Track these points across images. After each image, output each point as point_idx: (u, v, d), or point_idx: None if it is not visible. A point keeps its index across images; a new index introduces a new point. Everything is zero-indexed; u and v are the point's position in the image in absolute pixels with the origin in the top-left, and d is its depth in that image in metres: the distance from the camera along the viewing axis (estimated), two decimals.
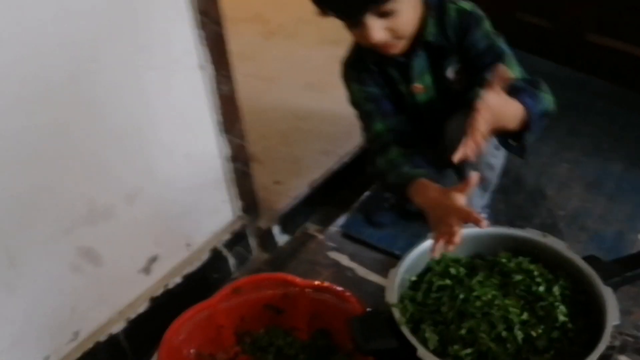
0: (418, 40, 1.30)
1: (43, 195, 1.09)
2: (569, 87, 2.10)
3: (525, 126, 1.18)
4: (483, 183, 1.46)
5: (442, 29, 1.30)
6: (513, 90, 1.15)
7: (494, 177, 1.48)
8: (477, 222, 1.05)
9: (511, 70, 1.26)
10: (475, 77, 1.33)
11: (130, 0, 1.11)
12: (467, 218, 1.06)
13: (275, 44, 2.53)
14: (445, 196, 1.11)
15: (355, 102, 1.43)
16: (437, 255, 1.10)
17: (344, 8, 1.19)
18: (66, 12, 1.02)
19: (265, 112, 2.08)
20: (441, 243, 1.08)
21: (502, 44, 1.33)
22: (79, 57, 1.07)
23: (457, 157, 1.05)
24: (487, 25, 1.33)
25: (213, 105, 1.34)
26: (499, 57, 1.30)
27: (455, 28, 1.30)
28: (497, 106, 1.08)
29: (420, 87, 1.38)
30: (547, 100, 1.26)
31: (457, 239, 1.06)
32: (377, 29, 1.20)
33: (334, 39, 2.49)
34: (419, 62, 1.34)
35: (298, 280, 1.31)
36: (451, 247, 1.07)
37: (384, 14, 1.19)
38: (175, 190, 1.35)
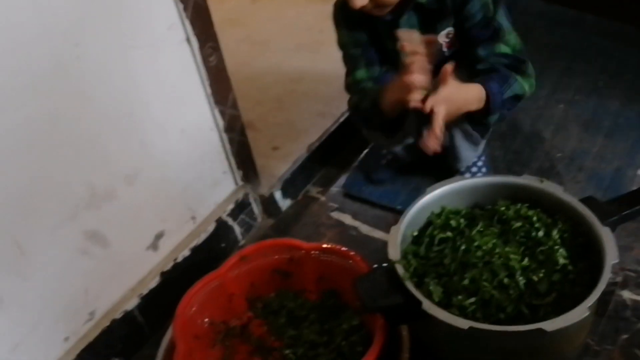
0: (409, 1, 1.29)
1: (43, 185, 1.11)
2: (563, 25, 2.08)
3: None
4: (470, 141, 1.47)
5: None
6: (482, 77, 1.29)
7: (484, 131, 1.49)
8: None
9: (506, 46, 1.33)
10: (468, 49, 1.35)
11: None
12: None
13: (263, 7, 2.49)
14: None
15: (342, 45, 1.44)
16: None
17: None
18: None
19: (259, 77, 2.07)
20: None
21: (500, 17, 1.32)
22: (62, 44, 1.06)
23: (427, 151, 1.19)
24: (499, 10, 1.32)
25: (203, 78, 1.34)
26: (495, 33, 1.32)
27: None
28: (449, 95, 1.19)
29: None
30: (520, 84, 1.32)
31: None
32: None
33: None
34: (408, 22, 1.33)
35: (303, 244, 1.33)
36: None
37: None
38: (174, 166, 1.37)
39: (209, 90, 1.36)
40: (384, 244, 1.45)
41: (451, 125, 1.35)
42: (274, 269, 1.35)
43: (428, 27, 1.34)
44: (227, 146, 1.47)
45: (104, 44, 1.13)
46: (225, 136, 1.45)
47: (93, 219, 1.22)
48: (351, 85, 1.43)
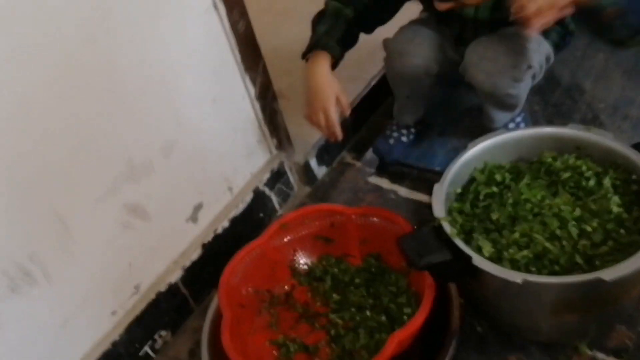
0: None
1: (83, 159, 1.10)
2: None
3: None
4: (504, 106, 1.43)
5: None
6: None
7: (519, 101, 1.44)
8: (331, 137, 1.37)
9: None
10: None
11: None
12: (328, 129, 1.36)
13: None
14: (329, 87, 1.31)
15: None
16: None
17: None
18: None
19: (285, 47, 2.03)
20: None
21: None
22: (92, 16, 1.04)
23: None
24: None
25: (232, 45, 1.32)
26: None
27: None
28: None
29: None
30: None
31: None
32: None
33: None
34: None
35: (343, 208, 1.31)
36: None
37: None
38: (208, 137, 1.35)
39: (238, 57, 1.34)
40: (424, 206, 1.44)
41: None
42: (315, 235, 1.33)
43: None
44: (260, 114, 1.45)
45: (132, 14, 1.11)
46: (257, 104, 1.43)
47: (133, 192, 1.21)
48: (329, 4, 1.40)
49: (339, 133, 1.37)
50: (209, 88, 1.31)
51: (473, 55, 1.36)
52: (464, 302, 1.17)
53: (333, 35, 1.34)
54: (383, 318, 1.21)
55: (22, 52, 0.95)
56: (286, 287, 1.32)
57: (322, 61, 1.33)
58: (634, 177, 1.14)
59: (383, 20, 1.44)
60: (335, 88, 1.33)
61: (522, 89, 1.39)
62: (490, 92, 1.37)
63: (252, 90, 1.40)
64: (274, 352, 1.22)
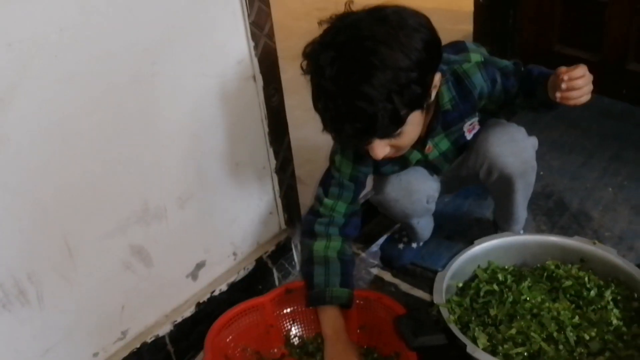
0: (435, 115, 1.27)
1: (101, 190, 1.13)
2: (612, 116, 2.11)
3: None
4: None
5: (460, 91, 1.26)
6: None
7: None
8: None
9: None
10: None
11: (191, 9, 1.18)
12: None
13: None
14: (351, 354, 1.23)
15: (337, 168, 1.36)
16: None
17: (352, 140, 1.18)
18: (134, 17, 1.09)
19: (309, 140, 2.11)
20: None
21: (501, 62, 1.32)
22: (141, 59, 1.13)
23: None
24: (497, 60, 1.32)
25: (263, 116, 1.39)
26: (514, 75, 1.32)
27: (480, 83, 1.27)
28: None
29: (431, 147, 1.35)
30: None
31: None
32: (382, 148, 1.15)
33: None
34: (435, 135, 1.33)
35: None
36: None
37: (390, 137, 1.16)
38: (224, 197, 1.39)
39: (267, 129, 1.41)
40: (423, 303, 1.43)
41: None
42: None
43: (452, 128, 1.33)
44: (277, 187, 1.50)
45: (178, 67, 1.19)
46: (276, 177, 1.48)
47: (141, 234, 1.23)
48: (322, 207, 1.36)
49: None
50: (235, 151, 1.37)
51: (493, 149, 1.33)
52: None
53: (333, 281, 1.29)
54: None
55: (76, 75, 1.02)
56: (276, 352, 1.29)
57: (336, 321, 1.28)
58: (635, 295, 1.15)
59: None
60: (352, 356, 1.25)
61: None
62: (522, 171, 1.34)
63: (274, 163, 1.46)
64: None
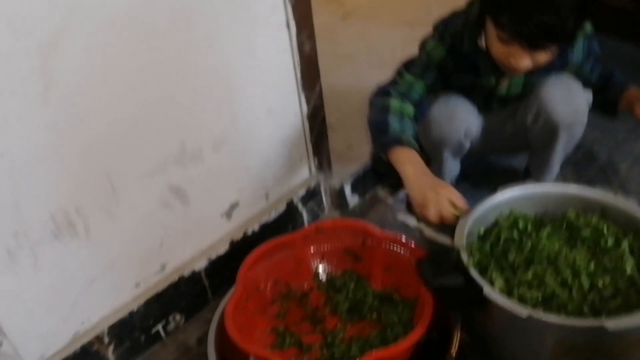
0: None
1: (141, 131, 1.20)
2: (634, 63, 2.07)
3: None
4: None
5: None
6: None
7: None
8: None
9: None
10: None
11: None
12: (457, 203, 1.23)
13: (351, 25, 2.61)
14: (439, 180, 1.26)
15: (428, 53, 1.42)
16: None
17: (537, 39, 1.22)
18: None
19: (340, 86, 2.16)
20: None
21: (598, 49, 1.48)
22: (179, 6, 1.16)
23: None
24: (595, 43, 1.46)
25: (295, 63, 1.43)
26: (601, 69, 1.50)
27: (578, 51, 1.43)
28: None
29: (507, 82, 1.45)
30: None
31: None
32: (527, 60, 1.26)
33: (408, 20, 2.55)
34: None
35: (378, 231, 1.38)
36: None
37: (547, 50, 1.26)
38: (257, 142, 1.45)
39: (299, 75, 1.45)
40: (445, 248, 1.48)
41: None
42: (346, 248, 1.40)
43: (532, 74, 1.41)
44: (307, 133, 1.54)
45: (213, 12, 1.22)
46: (307, 123, 1.53)
47: (179, 175, 1.30)
48: (400, 81, 1.42)
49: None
50: (267, 97, 1.42)
51: (545, 90, 1.40)
52: (467, 340, 1.20)
53: (408, 132, 1.34)
54: (378, 341, 1.26)
55: (118, 21, 1.07)
56: (305, 286, 1.38)
57: (417, 159, 1.31)
58: None
59: None
60: (447, 191, 1.25)
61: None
62: (570, 122, 1.40)
63: (305, 109, 1.50)
64: (271, 338, 1.29)
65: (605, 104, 1.50)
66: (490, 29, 1.28)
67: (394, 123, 1.35)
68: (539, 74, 1.40)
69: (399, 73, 1.45)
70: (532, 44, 1.23)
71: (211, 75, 1.28)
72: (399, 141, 1.32)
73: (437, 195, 1.22)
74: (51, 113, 1.04)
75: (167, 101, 1.22)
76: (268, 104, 1.43)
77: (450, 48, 1.39)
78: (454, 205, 1.23)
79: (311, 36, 1.44)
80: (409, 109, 1.40)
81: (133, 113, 1.17)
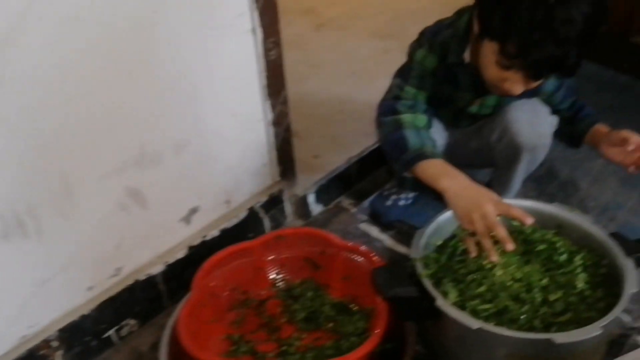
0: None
1: (99, 132, 1.18)
2: (612, 89, 2.12)
3: None
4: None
5: None
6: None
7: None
8: (521, 220, 1.13)
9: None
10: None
11: None
12: (507, 213, 1.14)
13: (325, 35, 2.62)
14: (481, 190, 1.18)
15: (418, 60, 1.38)
16: (496, 259, 1.14)
17: (542, 70, 1.21)
18: None
19: (310, 95, 2.16)
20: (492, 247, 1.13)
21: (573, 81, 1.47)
22: (143, 7, 1.15)
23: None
24: None
25: (261, 69, 1.42)
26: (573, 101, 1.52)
27: (553, 79, 1.43)
28: None
29: (480, 101, 1.46)
30: None
31: (511, 245, 1.11)
32: (523, 87, 1.25)
33: (382, 33, 2.57)
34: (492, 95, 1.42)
35: (338, 240, 1.38)
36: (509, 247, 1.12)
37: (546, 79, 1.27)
38: (220, 147, 1.44)
39: (264, 81, 1.44)
40: (405, 258, 1.48)
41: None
42: (305, 257, 1.40)
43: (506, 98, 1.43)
44: (272, 140, 1.54)
45: (179, 16, 1.22)
46: (271, 129, 1.52)
47: (138, 177, 1.28)
48: (400, 93, 1.38)
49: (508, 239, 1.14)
50: (231, 102, 1.41)
51: (511, 113, 1.41)
52: (421, 351, 1.21)
53: (429, 144, 1.30)
54: (333, 351, 1.25)
55: (77, 18, 1.05)
56: (262, 294, 1.38)
57: (449, 169, 1.24)
58: (605, 262, 1.19)
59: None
60: (488, 194, 1.18)
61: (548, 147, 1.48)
62: (533, 145, 1.41)
63: (270, 116, 1.50)
64: (225, 346, 1.28)
65: (570, 135, 1.53)
66: (489, 51, 1.23)
67: (412, 138, 1.30)
68: (511, 97, 1.41)
69: (399, 86, 1.41)
70: (537, 75, 1.21)
71: (174, 78, 1.27)
72: (423, 155, 1.26)
73: (481, 207, 1.14)
74: (2, 109, 1.02)
75: (127, 103, 1.20)
76: (232, 109, 1.43)
77: (440, 57, 1.38)
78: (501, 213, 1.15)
79: (278, 43, 1.43)
80: (422, 120, 1.36)
81: (91, 113, 1.15)
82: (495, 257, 1.13)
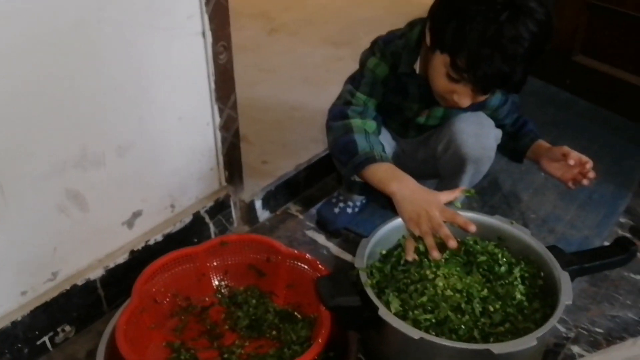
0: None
1: (37, 131, 1.13)
2: (554, 105, 2.19)
3: None
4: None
5: None
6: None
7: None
8: (464, 227, 1.14)
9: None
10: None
11: None
12: (452, 219, 1.15)
13: (278, 40, 2.61)
14: (428, 193, 1.19)
15: (371, 69, 1.40)
16: (437, 256, 1.14)
17: (490, 85, 1.23)
18: None
19: (261, 100, 2.15)
20: (435, 248, 1.15)
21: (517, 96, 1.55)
22: (88, 4, 1.12)
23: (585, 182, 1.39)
24: None
25: (210, 72, 1.40)
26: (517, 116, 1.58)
27: (498, 94, 1.48)
28: None
29: (427, 112, 1.48)
30: None
31: (453, 243, 1.12)
32: (470, 100, 1.27)
33: (334, 40, 2.59)
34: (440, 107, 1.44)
35: (283, 248, 1.37)
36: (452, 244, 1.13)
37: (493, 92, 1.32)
38: (165, 150, 1.41)
39: (213, 85, 1.42)
40: (350, 266, 1.49)
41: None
42: (250, 264, 1.39)
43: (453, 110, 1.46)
44: (219, 144, 1.52)
45: (125, 15, 1.19)
46: (219, 134, 1.50)
47: (78, 179, 1.24)
48: (352, 99, 1.39)
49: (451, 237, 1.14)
50: (178, 105, 1.38)
51: (457, 125, 1.43)
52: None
53: (377, 148, 1.31)
54: (275, 359, 1.24)
55: (15, 12, 1.01)
56: (206, 301, 1.35)
57: (397, 172, 1.25)
58: (542, 274, 1.23)
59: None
60: (435, 199, 1.19)
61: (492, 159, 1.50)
62: (478, 156, 1.43)
63: (218, 120, 1.48)
64: (165, 353, 1.25)
65: (513, 150, 1.58)
66: (439, 63, 1.24)
67: (361, 142, 1.30)
68: (458, 110, 1.44)
69: (350, 92, 1.41)
70: (484, 89, 1.24)
71: (119, 78, 1.24)
72: (372, 159, 1.27)
73: (428, 211, 1.16)
74: None
75: (67, 102, 1.16)
76: (179, 112, 1.40)
77: (391, 66, 1.40)
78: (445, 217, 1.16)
79: (228, 47, 1.42)
80: (371, 125, 1.37)
81: (28, 112, 1.11)
82: (437, 254, 1.14)
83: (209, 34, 1.36)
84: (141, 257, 1.41)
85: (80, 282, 1.33)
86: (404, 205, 1.20)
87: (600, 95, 2.13)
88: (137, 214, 1.41)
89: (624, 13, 1.99)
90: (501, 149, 1.54)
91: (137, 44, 1.23)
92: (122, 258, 1.39)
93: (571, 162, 1.37)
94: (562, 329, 1.35)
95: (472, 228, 1.13)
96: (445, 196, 1.19)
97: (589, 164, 1.37)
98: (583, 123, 2.10)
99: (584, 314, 1.39)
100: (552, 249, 1.25)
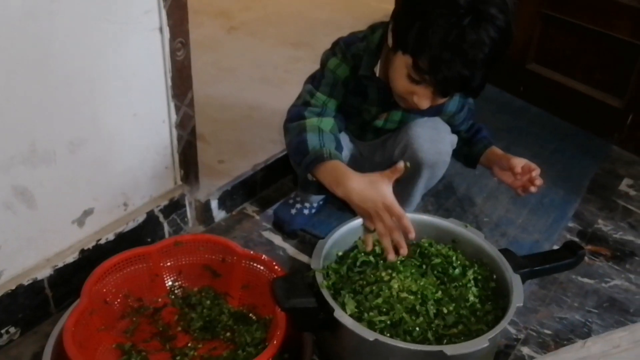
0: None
1: None
2: (508, 111, 2.24)
3: None
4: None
5: None
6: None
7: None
8: (405, 231, 1.14)
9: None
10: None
11: None
12: (398, 220, 1.15)
13: (237, 39, 2.59)
14: (374, 190, 1.18)
15: (331, 70, 1.40)
16: (392, 258, 1.15)
17: (449, 88, 1.23)
18: None
19: (219, 98, 2.13)
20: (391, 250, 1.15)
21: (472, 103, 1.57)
22: None
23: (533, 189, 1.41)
24: None
25: (166, 69, 1.38)
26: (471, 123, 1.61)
27: (455, 100, 1.50)
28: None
29: (386, 116, 1.49)
30: None
31: (405, 250, 1.14)
32: (430, 102, 1.28)
33: (293, 40, 2.58)
34: (399, 110, 1.45)
35: (238, 249, 1.35)
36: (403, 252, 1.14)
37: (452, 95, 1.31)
38: (119, 147, 1.37)
39: (169, 82, 1.40)
40: (307, 268, 1.49)
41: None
42: (205, 264, 1.36)
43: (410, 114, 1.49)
44: (175, 142, 1.49)
45: (80, 8, 1.15)
46: (175, 132, 1.48)
47: (26, 175, 1.20)
48: (312, 99, 1.39)
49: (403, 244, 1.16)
50: (133, 101, 1.35)
51: (414, 129, 1.45)
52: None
53: (329, 145, 1.30)
54: None
55: None
56: (158, 302, 1.33)
57: (344, 171, 1.23)
58: (495, 276, 1.25)
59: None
60: (383, 198, 1.18)
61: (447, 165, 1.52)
62: (433, 161, 1.45)
63: (174, 118, 1.45)
64: (115, 355, 1.22)
65: (467, 156, 1.61)
66: (401, 64, 1.25)
67: (312, 141, 1.30)
68: (415, 114, 1.45)
69: (310, 92, 1.41)
70: (444, 92, 1.24)
71: (71, 72, 1.20)
72: (321, 157, 1.26)
73: (378, 211, 1.16)
74: None
75: (15, 96, 1.12)
76: (134, 109, 1.37)
77: (352, 68, 1.40)
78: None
79: (186, 44, 1.39)
80: (328, 122, 1.36)
81: None
82: (392, 257, 1.15)
83: (166, 30, 1.33)
84: (92, 257, 1.37)
85: (26, 281, 1.28)
86: (354, 205, 1.21)
87: (552, 102, 2.20)
88: (88, 212, 1.37)
89: (576, 24, 2.06)
90: (456, 154, 1.56)
91: (90, 38, 1.20)
92: (71, 257, 1.35)
93: (518, 173, 1.40)
94: (512, 330, 1.38)
95: (411, 235, 1.14)
96: (386, 184, 1.19)
97: (536, 172, 1.40)
98: (535, 130, 2.15)
99: (533, 315, 1.43)
100: (505, 252, 1.28)
